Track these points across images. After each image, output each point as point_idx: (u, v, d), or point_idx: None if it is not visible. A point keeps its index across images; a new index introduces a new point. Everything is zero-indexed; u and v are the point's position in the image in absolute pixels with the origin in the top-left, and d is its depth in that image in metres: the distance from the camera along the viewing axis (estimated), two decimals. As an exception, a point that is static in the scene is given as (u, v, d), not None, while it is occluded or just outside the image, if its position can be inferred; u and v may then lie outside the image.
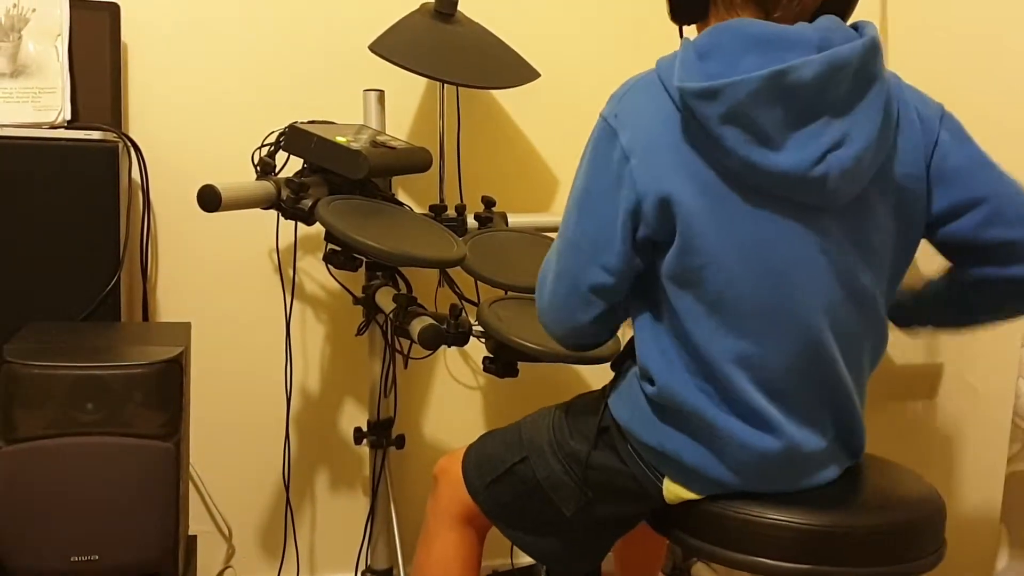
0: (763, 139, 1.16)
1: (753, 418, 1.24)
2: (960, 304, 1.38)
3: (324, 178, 1.79)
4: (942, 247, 1.34)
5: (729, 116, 1.16)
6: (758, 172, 1.18)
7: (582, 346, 1.38)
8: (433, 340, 1.62)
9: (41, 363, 1.44)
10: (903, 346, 1.74)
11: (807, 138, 1.17)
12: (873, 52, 1.20)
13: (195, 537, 1.86)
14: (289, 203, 1.71)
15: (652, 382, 1.29)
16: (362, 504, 2.19)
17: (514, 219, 2.06)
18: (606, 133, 1.25)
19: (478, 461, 1.50)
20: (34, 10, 1.81)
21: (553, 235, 2.03)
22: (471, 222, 2.01)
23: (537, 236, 2.01)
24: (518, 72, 2.02)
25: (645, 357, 1.30)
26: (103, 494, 1.44)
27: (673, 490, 1.31)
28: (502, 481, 1.45)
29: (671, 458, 1.29)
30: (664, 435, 1.29)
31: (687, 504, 1.32)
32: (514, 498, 1.45)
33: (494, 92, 2.21)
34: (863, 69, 1.19)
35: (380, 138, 1.84)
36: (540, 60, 2.07)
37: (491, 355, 1.71)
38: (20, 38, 1.81)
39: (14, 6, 1.80)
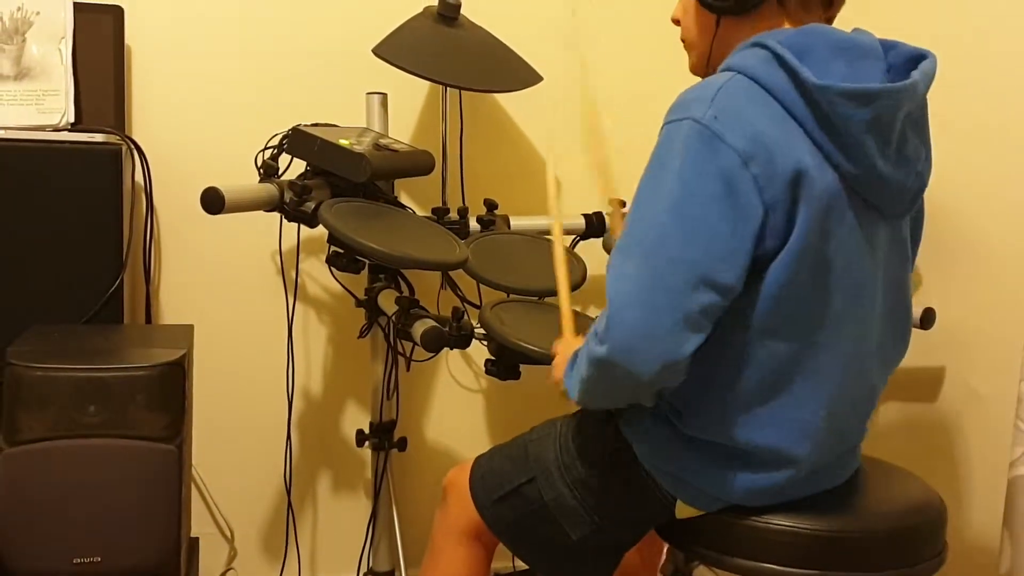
0: (885, 148, 1.16)
1: (800, 435, 1.22)
2: None
3: (327, 181, 1.79)
4: None
5: (874, 122, 1.13)
6: (875, 180, 1.16)
7: (663, 384, 1.18)
8: (435, 342, 1.62)
9: (44, 365, 1.45)
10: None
11: (907, 151, 1.19)
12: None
13: (197, 539, 1.86)
14: (292, 205, 1.71)
15: (681, 413, 1.25)
16: (364, 506, 2.19)
17: (516, 222, 2.06)
18: (703, 136, 1.12)
19: (485, 477, 1.47)
20: (38, 13, 1.81)
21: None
22: (473, 225, 2.01)
23: (539, 239, 2.01)
24: (521, 75, 2.03)
25: (679, 393, 1.23)
26: (106, 496, 1.45)
27: (686, 510, 1.31)
28: (508, 500, 1.43)
29: (689, 483, 1.28)
30: (684, 463, 1.27)
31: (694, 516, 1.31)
32: (521, 517, 1.42)
33: (497, 95, 2.22)
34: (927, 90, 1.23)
35: (383, 141, 1.85)
36: (543, 64, 2.07)
37: (493, 357, 1.70)
38: (24, 41, 1.81)
39: (18, 9, 1.81)
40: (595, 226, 2.12)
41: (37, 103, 1.81)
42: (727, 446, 1.23)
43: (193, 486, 2.05)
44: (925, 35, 1.41)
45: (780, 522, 1.23)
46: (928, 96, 1.23)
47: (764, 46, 1.16)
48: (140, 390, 1.46)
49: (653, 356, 1.10)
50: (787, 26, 1.23)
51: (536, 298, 1.83)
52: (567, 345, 1.37)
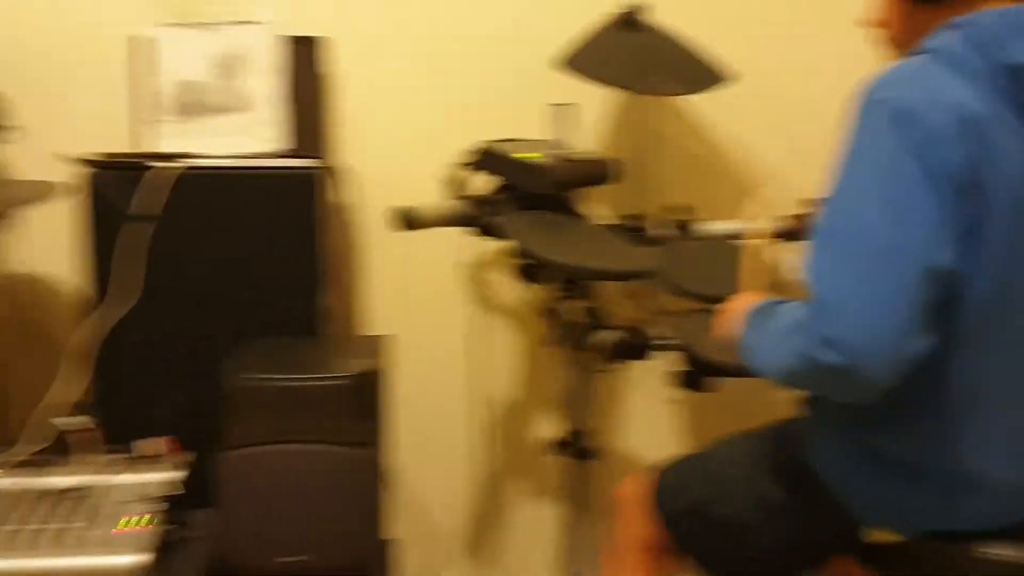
0: None
1: (1003, 456, 1.15)
2: None
3: (513, 194, 1.82)
4: None
5: None
6: None
7: (886, 386, 1.07)
8: (623, 352, 1.62)
9: (255, 376, 1.56)
10: None
11: None
12: None
13: (395, 542, 1.94)
14: (480, 220, 1.76)
15: (877, 430, 1.19)
16: (555, 515, 2.20)
17: (709, 227, 2.01)
18: (897, 117, 1.07)
19: (667, 490, 1.45)
20: (248, 47, 1.96)
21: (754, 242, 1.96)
22: (663, 232, 1.98)
23: (731, 244, 1.95)
24: (711, 76, 1.98)
25: (875, 405, 1.14)
26: (309, 499, 1.54)
27: (879, 535, 1.23)
28: (692, 514, 1.40)
29: (881, 503, 1.21)
30: (877, 485, 1.21)
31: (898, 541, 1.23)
32: (704, 532, 1.40)
33: (684, 98, 2.18)
34: None
35: (567, 151, 1.86)
36: (737, 61, 2.00)
37: (684, 369, 1.67)
38: (236, 74, 1.96)
39: (231, 45, 1.96)
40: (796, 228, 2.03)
41: (250, 133, 1.95)
42: (929, 468, 1.16)
43: (391, 490, 2.14)
44: None
45: (999, 551, 1.12)
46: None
47: (960, 27, 1.12)
48: (339, 398, 1.55)
49: (887, 361, 1.02)
50: (985, 8, 1.15)
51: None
52: (736, 302, 1.32)
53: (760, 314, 1.21)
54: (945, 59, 1.11)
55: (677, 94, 2.06)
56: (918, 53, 1.15)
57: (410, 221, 1.70)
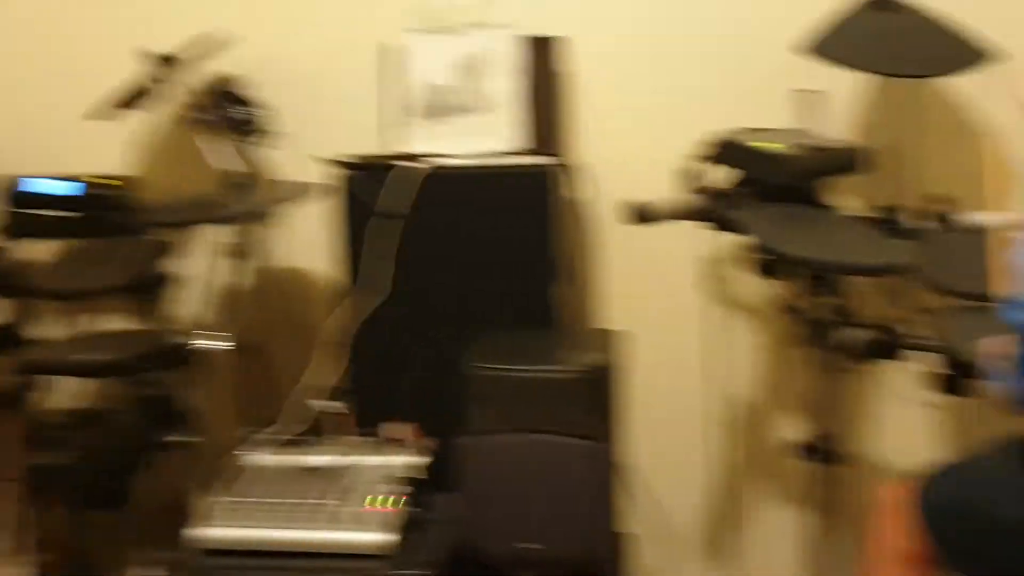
0: None
1: None
2: None
3: (754, 187, 1.76)
4: None
5: None
6: None
7: None
8: (875, 352, 1.53)
9: (495, 367, 1.60)
10: None
11: None
12: None
13: (630, 535, 1.93)
14: (717, 214, 1.71)
15: None
16: (799, 519, 2.11)
17: (974, 219, 1.85)
18: None
19: (935, 496, 1.37)
20: (492, 49, 2.01)
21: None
22: (920, 224, 1.84)
23: (996, 237, 1.79)
24: (970, 56, 1.82)
25: None
26: (544, 488, 1.56)
27: None
28: (962, 521, 1.32)
29: None
30: None
31: None
32: (975, 539, 1.31)
33: (949, 80, 2.02)
34: None
35: (812, 140, 1.77)
36: (1001, 39, 1.83)
37: (943, 371, 1.55)
38: (481, 76, 2.02)
39: (474, 49, 2.02)
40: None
41: (491, 132, 2.00)
42: None
43: (629, 486, 2.13)
44: None
45: None
46: None
47: None
48: (573, 390, 1.57)
49: None
50: None
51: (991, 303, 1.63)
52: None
53: None
54: None
55: (935, 76, 1.92)
56: None
57: (644, 215, 1.69)
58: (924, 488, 1.39)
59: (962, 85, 2.01)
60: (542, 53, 2.01)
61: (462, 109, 2.02)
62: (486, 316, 1.86)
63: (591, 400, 1.58)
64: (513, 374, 1.61)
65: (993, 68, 1.81)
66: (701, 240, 2.06)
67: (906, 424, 2.10)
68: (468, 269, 1.90)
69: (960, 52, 1.83)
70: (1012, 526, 1.26)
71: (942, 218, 1.84)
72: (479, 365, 1.62)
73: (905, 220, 1.82)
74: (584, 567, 1.59)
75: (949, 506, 1.34)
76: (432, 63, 2.03)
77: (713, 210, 1.72)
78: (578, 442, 1.57)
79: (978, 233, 1.81)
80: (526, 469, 1.58)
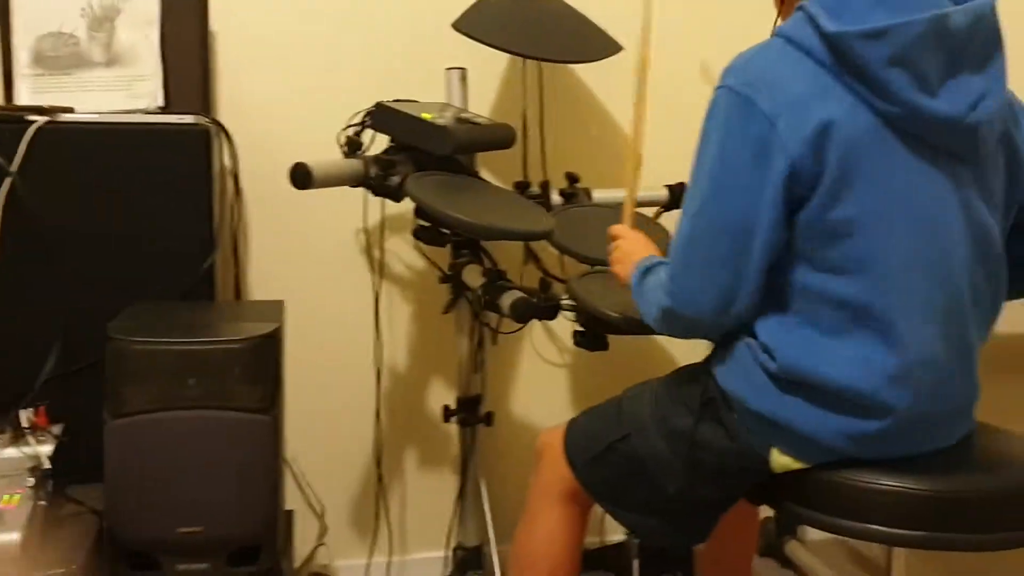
0: (924, 84, 1.17)
1: (889, 379, 1.21)
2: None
3: (410, 156, 1.79)
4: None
5: (896, 58, 1.16)
6: (919, 117, 1.18)
7: (728, 323, 1.29)
8: (525, 313, 1.62)
9: (145, 339, 1.48)
10: (1006, 316, 1.68)
11: (958, 87, 1.19)
12: (996, 13, 1.24)
13: (292, 512, 1.89)
14: (377, 180, 1.72)
15: (773, 355, 1.26)
16: (452, 482, 2.19)
17: (598, 194, 2.04)
18: (738, 104, 1.21)
19: (579, 438, 1.48)
20: (126, 0, 1.85)
21: (639, 209, 2.00)
22: (555, 198, 2.00)
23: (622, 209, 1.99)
24: (601, 46, 2.00)
25: (767, 331, 1.27)
26: (206, 467, 1.47)
27: (781, 461, 1.29)
28: (604, 458, 1.44)
29: (783, 427, 1.26)
30: (779, 404, 1.26)
31: (794, 474, 1.29)
32: (616, 476, 1.43)
33: (577, 67, 2.20)
34: (993, 28, 1.23)
35: (464, 115, 1.84)
36: (623, 33, 2.04)
37: (582, 328, 1.69)
38: (113, 28, 1.85)
39: (107, -5, 1.85)
40: (678, 196, 2.09)
41: (127, 88, 1.85)
42: (816, 387, 1.23)
43: (285, 462, 2.08)
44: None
45: (891, 482, 1.19)
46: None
47: (801, 8, 1.22)
48: (237, 362, 1.49)
49: (707, 309, 1.26)
50: None
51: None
52: (630, 239, 1.48)
53: (645, 270, 1.37)
54: (784, 40, 1.23)
55: (569, 61, 2.08)
56: (775, 36, 1.26)
57: (301, 181, 1.65)
58: (569, 428, 1.51)
59: (591, 71, 2.20)
60: (187, 7, 1.87)
61: (91, 62, 1.83)
62: (130, 290, 1.71)
63: (249, 373, 1.51)
64: (162, 347, 1.49)
65: (615, 58, 2.01)
66: (358, 209, 2.06)
67: (551, 380, 2.27)
68: (107, 238, 1.72)
69: (592, 41, 2.01)
70: (646, 462, 1.39)
71: (574, 192, 2.01)
72: (123, 339, 1.48)
73: (543, 194, 1.96)
74: (245, 546, 1.52)
75: (591, 443, 1.46)
76: (52, 8, 1.81)
77: (372, 176, 1.72)
78: (236, 416, 1.49)
79: (606, 206, 2.01)
80: (180, 448, 1.48)
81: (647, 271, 1.37)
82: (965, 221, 1.23)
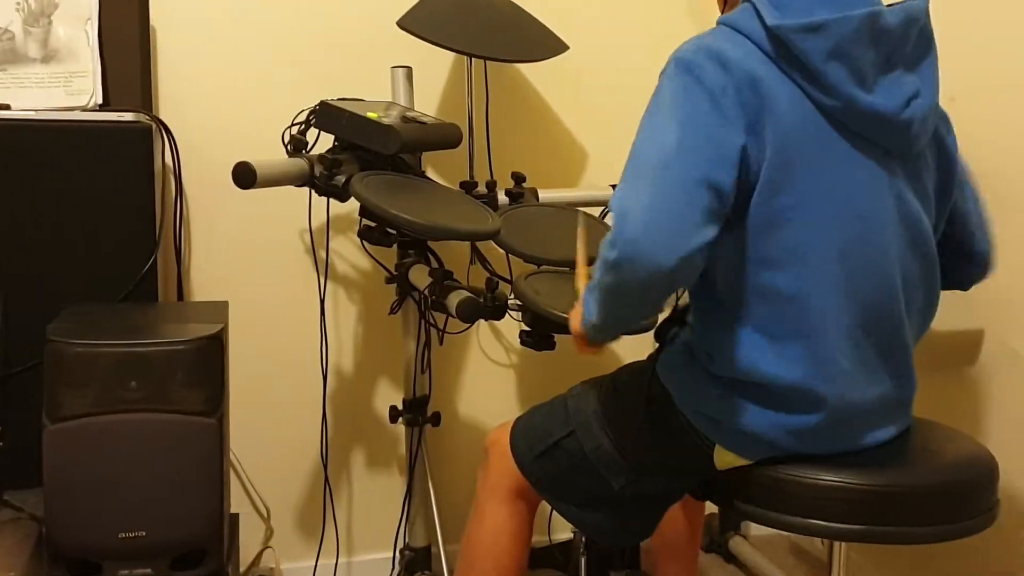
0: (860, 79, 1.20)
1: (824, 372, 1.23)
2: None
3: (355, 155, 1.78)
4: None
5: (834, 52, 1.19)
6: (856, 111, 1.21)
7: (678, 282, 1.20)
8: (471, 313, 1.61)
9: (84, 341, 1.45)
10: (941, 313, 1.73)
11: (892, 84, 1.23)
12: (929, 15, 1.27)
13: (237, 515, 1.87)
14: (322, 179, 1.70)
15: (712, 356, 1.27)
16: (399, 482, 2.19)
17: (544, 194, 2.05)
18: (689, 68, 1.21)
19: (525, 435, 1.50)
20: (63, -6, 1.81)
21: (585, 209, 2.02)
22: (502, 198, 2.00)
23: (569, 210, 2.00)
24: (546, 45, 2.01)
25: (705, 328, 1.29)
26: (149, 471, 1.45)
27: (725, 458, 1.31)
28: (550, 455, 1.45)
29: (725, 424, 1.28)
30: (720, 401, 1.28)
31: (737, 470, 1.31)
32: (562, 472, 1.44)
33: (522, 66, 2.20)
34: (926, 29, 1.27)
35: (410, 114, 1.84)
36: (569, 33, 2.05)
37: (528, 328, 1.70)
38: (50, 23, 1.81)
39: (43, -10, 1.81)
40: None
41: (65, 85, 1.81)
42: (754, 383, 1.25)
43: (230, 465, 2.06)
44: None
45: (832, 478, 1.22)
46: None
47: (750, 2, 1.25)
48: (180, 364, 1.46)
49: (665, 247, 1.14)
50: None
51: (568, 268, 1.82)
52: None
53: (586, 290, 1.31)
54: (730, 28, 1.25)
55: (514, 60, 2.08)
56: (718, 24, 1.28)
57: (249, 178, 1.63)
58: (515, 426, 1.52)
59: (537, 71, 2.21)
60: (126, 1, 1.84)
61: (27, 57, 1.79)
62: (69, 291, 1.67)
63: (193, 375, 1.49)
64: (103, 349, 1.46)
65: (561, 58, 2.02)
66: (303, 209, 2.05)
67: (497, 380, 2.27)
68: (45, 238, 1.68)
69: (537, 42, 2.01)
70: (591, 458, 1.40)
71: (521, 193, 2.01)
72: (62, 341, 1.45)
73: (490, 194, 1.96)
74: (189, 550, 1.50)
75: (536, 441, 1.47)
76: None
77: (317, 176, 1.71)
78: (180, 419, 1.47)
79: (552, 206, 2.01)
80: (122, 452, 1.45)
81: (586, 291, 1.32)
82: (899, 215, 1.26)
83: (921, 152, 1.30)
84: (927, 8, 1.27)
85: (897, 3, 1.26)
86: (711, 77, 1.19)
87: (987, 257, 1.47)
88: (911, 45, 1.25)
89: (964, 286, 1.50)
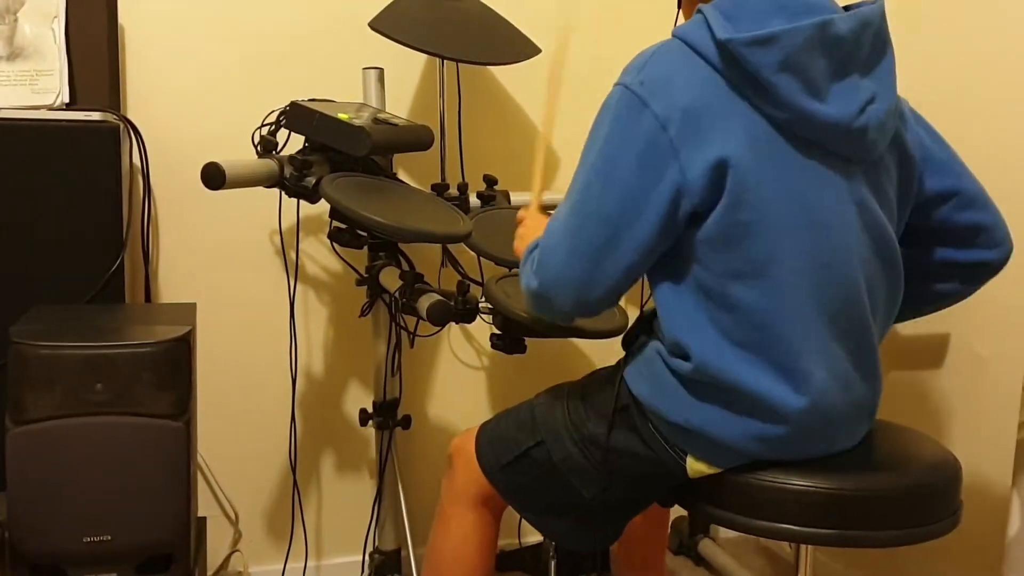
0: (813, 89, 1.20)
1: (793, 380, 1.23)
2: (910, 296, 1.43)
3: (326, 156, 1.77)
4: (916, 230, 1.42)
5: (784, 64, 1.18)
6: (808, 122, 1.20)
7: (580, 318, 1.35)
8: (442, 316, 1.61)
9: (49, 343, 1.43)
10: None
11: (846, 91, 1.22)
12: (885, 18, 1.27)
13: (205, 519, 1.85)
14: (292, 180, 1.69)
15: (687, 357, 1.26)
16: (369, 486, 2.18)
17: (516, 197, 2.05)
18: (631, 102, 1.21)
19: (492, 443, 1.48)
20: (30, -9, 1.79)
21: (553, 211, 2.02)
22: (473, 200, 2.00)
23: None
24: (519, 48, 2.01)
25: (676, 332, 1.27)
26: (115, 474, 1.43)
27: (697, 467, 1.31)
28: (518, 464, 1.44)
29: (697, 434, 1.28)
30: (691, 410, 1.28)
31: (707, 476, 1.31)
32: (531, 481, 1.43)
33: (494, 69, 2.20)
34: (881, 32, 1.26)
35: (381, 116, 1.83)
36: (541, 36, 2.05)
37: (499, 331, 1.70)
38: (16, 20, 1.79)
39: (9, -13, 1.78)
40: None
41: (31, 83, 1.78)
42: (726, 388, 1.24)
43: (197, 468, 2.04)
44: None
45: (800, 482, 1.23)
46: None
47: (700, 10, 1.24)
48: (147, 367, 1.45)
49: (568, 297, 1.26)
50: None
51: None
52: (533, 219, 1.49)
53: (531, 249, 1.36)
54: (681, 41, 1.23)
55: (487, 63, 2.08)
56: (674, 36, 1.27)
57: (218, 178, 1.61)
58: (481, 434, 1.51)
59: (509, 73, 2.21)
60: (94, 1, 1.82)
61: (-8, 55, 1.77)
62: (35, 292, 1.65)
63: (160, 378, 1.47)
64: (68, 351, 1.44)
65: (533, 61, 2.03)
66: (273, 211, 2.03)
67: (468, 383, 2.27)
68: (10, 238, 1.66)
69: (510, 44, 2.02)
70: (561, 468, 1.40)
71: (493, 195, 2.01)
72: (26, 343, 1.43)
73: (462, 196, 1.96)
74: (156, 555, 1.48)
75: (503, 449, 1.46)
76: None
77: (287, 177, 1.70)
78: (146, 422, 1.46)
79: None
80: (87, 455, 1.43)
81: (532, 250, 1.36)
82: (861, 222, 1.27)
83: (881, 157, 1.29)
84: (882, 11, 1.27)
85: (853, 5, 1.26)
86: (650, 115, 1.19)
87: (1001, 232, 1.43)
88: (866, 50, 1.24)
89: (981, 274, 1.46)
